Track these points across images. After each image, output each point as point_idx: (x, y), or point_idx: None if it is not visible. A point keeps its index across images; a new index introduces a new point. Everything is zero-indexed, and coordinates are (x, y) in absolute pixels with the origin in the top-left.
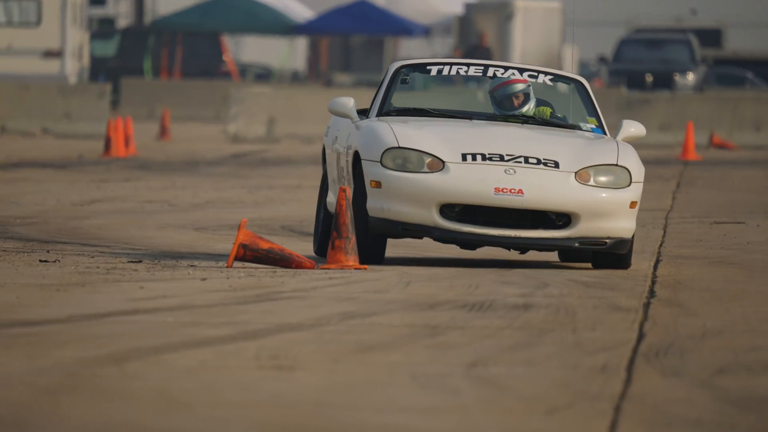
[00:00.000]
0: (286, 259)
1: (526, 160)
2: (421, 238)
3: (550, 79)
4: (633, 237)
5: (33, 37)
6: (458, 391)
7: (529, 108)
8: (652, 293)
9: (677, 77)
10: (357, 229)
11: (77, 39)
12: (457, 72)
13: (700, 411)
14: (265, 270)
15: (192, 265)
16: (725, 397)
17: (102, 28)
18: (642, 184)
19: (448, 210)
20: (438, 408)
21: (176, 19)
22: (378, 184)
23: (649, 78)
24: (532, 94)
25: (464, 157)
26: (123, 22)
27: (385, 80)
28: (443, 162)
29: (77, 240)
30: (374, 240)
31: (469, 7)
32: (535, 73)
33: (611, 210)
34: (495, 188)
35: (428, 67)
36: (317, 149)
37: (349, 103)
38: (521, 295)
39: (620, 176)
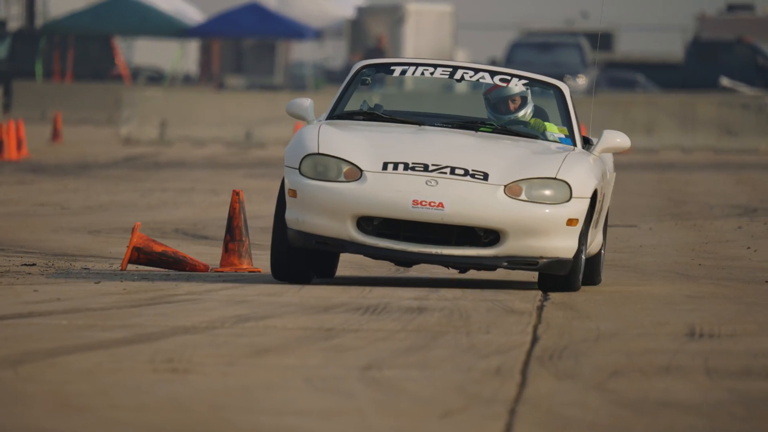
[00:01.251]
0: (179, 262)
1: (452, 170)
2: (337, 253)
3: (524, 84)
4: (580, 257)
5: None
6: (353, 394)
7: (525, 113)
8: (545, 296)
9: (569, 80)
10: (275, 241)
11: None
12: (422, 73)
13: (595, 414)
14: (159, 273)
15: (86, 268)
16: (619, 400)
17: None
18: (588, 200)
19: (366, 223)
20: (333, 411)
21: (68, 21)
22: (294, 193)
23: None
24: (529, 98)
25: (385, 165)
26: (14, 25)
27: (346, 80)
28: (361, 171)
29: (18, 251)
30: (294, 253)
31: (360, 11)
32: (508, 77)
33: (543, 227)
34: (413, 200)
35: (392, 68)
36: (210, 152)
37: (305, 103)
38: (415, 298)
39: (558, 191)
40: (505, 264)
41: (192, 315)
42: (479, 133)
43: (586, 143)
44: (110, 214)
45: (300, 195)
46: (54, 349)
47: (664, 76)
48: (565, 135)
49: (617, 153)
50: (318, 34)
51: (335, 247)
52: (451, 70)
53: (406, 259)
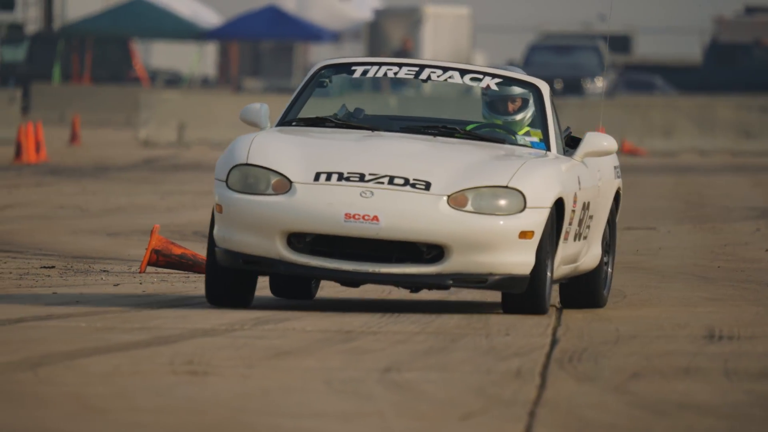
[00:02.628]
0: (198, 265)
1: (391, 180)
2: (267, 274)
3: (499, 83)
4: (543, 274)
5: None
6: (372, 396)
7: (525, 117)
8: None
9: (587, 83)
10: (208, 262)
11: None
12: (385, 74)
13: (614, 416)
14: (178, 275)
15: (105, 271)
16: (639, 401)
17: (11, 34)
18: (547, 210)
19: (298, 240)
20: (352, 413)
21: (85, 24)
22: (221, 209)
23: (559, 84)
24: (531, 101)
25: (317, 176)
26: (32, 28)
27: (303, 81)
28: (290, 182)
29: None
30: (223, 273)
31: (378, 13)
32: (480, 76)
33: (492, 241)
34: (345, 214)
35: (353, 68)
36: None
37: (258, 109)
38: (434, 300)
39: (510, 200)
40: (450, 282)
41: (211, 317)
42: (439, 138)
43: (575, 146)
44: (129, 217)
45: (226, 210)
46: (73, 351)
47: (682, 78)
48: (539, 139)
49: (605, 155)
50: (336, 37)
51: (264, 266)
52: (417, 69)
53: (341, 279)
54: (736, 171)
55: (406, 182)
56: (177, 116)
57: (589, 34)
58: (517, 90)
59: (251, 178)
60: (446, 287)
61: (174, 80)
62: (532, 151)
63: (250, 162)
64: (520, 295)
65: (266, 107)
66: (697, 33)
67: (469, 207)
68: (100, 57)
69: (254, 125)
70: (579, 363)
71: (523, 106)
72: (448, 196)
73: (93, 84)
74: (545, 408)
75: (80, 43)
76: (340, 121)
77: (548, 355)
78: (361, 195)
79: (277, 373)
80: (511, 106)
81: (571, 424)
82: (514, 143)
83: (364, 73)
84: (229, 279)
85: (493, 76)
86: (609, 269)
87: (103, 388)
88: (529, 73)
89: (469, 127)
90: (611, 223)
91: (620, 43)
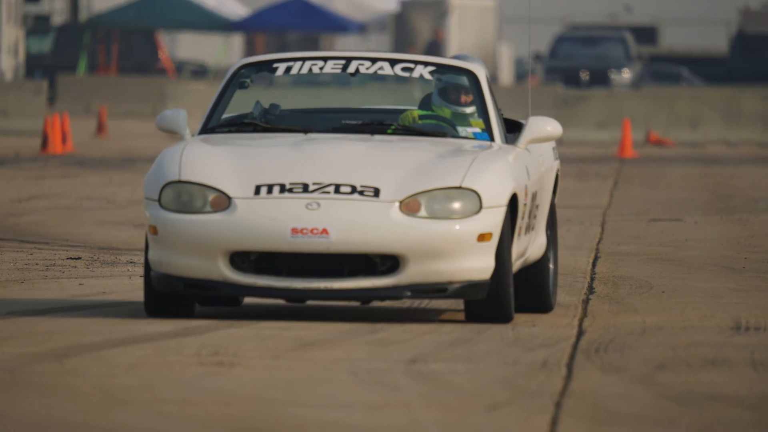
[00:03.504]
0: None
1: (337, 189)
2: (211, 296)
3: (432, 72)
4: (505, 277)
5: None
6: (399, 387)
7: (476, 113)
8: (591, 289)
9: (613, 74)
10: (145, 289)
11: (12, 36)
12: (310, 70)
13: (641, 407)
14: None
15: (131, 262)
16: (665, 393)
17: (37, 25)
18: (504, 209)
19: (241, 260)
20: (379, 404)
21: (111, 16)
22: (155, 230)
23: (585, 75)
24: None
25: (257, 190)
26: (58, 19)
27: (223, 83)
28: (229, 198)
29: (15, 237)
30: (162, 300)
31: (404, 5)
32: (411, 65)
33: (449, 247)
34: (292, 229)
35: (275, 65)
36: None
37: (177, 116)
38: None
39: (464, 202)
40: (408, 294)
41: (237, 308)
42: (376, 137)
43: (517, 131)
44: None
45: (162, 232)
46: (99, 342)
47: (708, 69)
48: (482, 129)
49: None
50: (361, 28)
51: (207, 290)
52: (343, 62)
53: (291, 297)
54: (762, 162)
55: (354, 190)
56: (203, 107)
57: (616, 25)
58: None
59: (186, 196)
60: (403, 299)
61: (200, 71)
62: (476, 143)
63: (183, 179)
64: (483, 301)
65: (184, 113)
66: (723, 24)
67: (422, 212)
68: (126, 48)
69: (172, 133)
70: (605, 354)
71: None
72: (400, 202)
73: (119, 75)
74: (571, 399)
75: (106, 35)
76: (269, 125)
77: (574, 346)
78: (307, 207)
79: (303, 364)
80: (463, 98)
81: (597, 415)
82: (456, 136)
83: (287, 70)
84: (168, 301)
85: (426, 64)
86: (552, 266)
87: (129, 379)
88: (556, 65)
89: (412, 115)
90: (552, 207)
91: (646, 34)
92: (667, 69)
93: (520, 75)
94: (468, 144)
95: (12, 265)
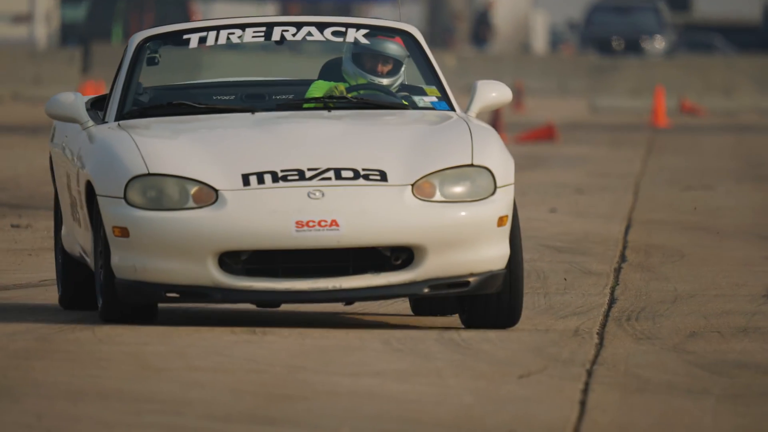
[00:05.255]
0: None
1: (338, 174)
2: (199, 303)
3: (366, 35)
4: (518, 267)
5: (2, 1)
6: (430, 355)
7: (393, 83)
8: (623, 258)
9: (646, 42)
10: (104, 297)
11: (46, 4)
12: (228, 39)
13: (672, 375)
14: None
15: None
16: (697, 361)
17: None
18: (512, 187)
19: (232, 260)
20: (410, 372)
21: None
22: (124, 232)
23: (618, 43)
24: (403, 69)
25: (246, 179)
26: None
27: (124, 62)
28: (216, 191)
29: (49, 205)
30: (130, 313)
31: None
32: (342, 28)
33: (471, 234)
34: (296, 222)
35: (185, 36)
36: None
37: (72, 100)
38: None
39: (479, 182)
40: (427, 290)
41: None
42: (334, 112)
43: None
44: None
45: (135, 233)
46: None
47: (742, 38)
48: (438, 97)
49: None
50: None
51: (195, 297)
52: (264, 29)
53: (293, 300)
54: None
55: (357, 174)
56: (239, 75)
57: None
58: (391, 48)
59: (160, 191)
60: (420, 296)
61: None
62: (442, 114)
63: (153, 171)
64: (489, 298)
65: (82, 97)
66: None
67: (437, 196)
68: (161, 16)
69: (71, 121)
70: (637, 322)
71: (394, 70)
72: (412, 186)
73: None
74: (603, 367)
75: (140, 3)
76: (203, 105)
77: (606, 315)
78: (309, 196)
79: (334, 333)
80: (381, 67)
81: (629, 383)
82: (417, 107)
83: (202, 41)
84: (134, 316)
85: (358, 27)
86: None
87: (161, 347)
88: (590, 34)
89: (338, 89)
90: None
91: (680, 3)
92: (700, 37)
93: (554, 43)
94: (436, 115)
95: (45, 233)
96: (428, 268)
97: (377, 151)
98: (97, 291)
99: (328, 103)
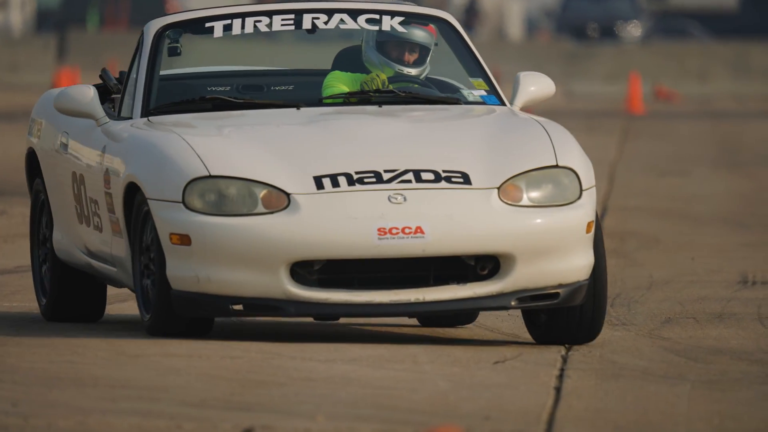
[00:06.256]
0: None
1: (417, 176)
2: (268, 316)
3: (401, 23)
4: (603, 276)
5: None
6: (406, 341)
7: (421, 72)
8: None
9: (622, 28)
10: (156, 310)
11: None
12: (255, 27)
13: (647, 361)
14: None
15: None
16: (672, 347)
17: None
18: (595, 190)
19: (304, 270)
20: (386, 358)
21: None
22: (184, 239)
23: (594, 30)
24: (429, 59)
25: (318, 182)
26: None
27: (143, 53)
28: (287, 195)
29: (24, 191)
30: (184, 327)
31: None
32: (377, 16)
33: (561, 241)
34: (378, 229)
35: (208, 24)
36: None
37: (88, 95)
38: None
39: (565, 184)
40: (514, 303)
41: None
42: (384, 107)
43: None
44: None
45: (197, 240)
46: (108, 297)
47: (718, 24)
48: (486, 90)
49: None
50: None
51: (266, 311)
52: (293, 17)
53: (370, 314)
54: None
55: (438, 177)
56: (213, 61)
57: None
58: (419, 35)
59: (220, 195)
60: (507, 309)
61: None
62: (496, 108)
63: (214, 173)
64: (572, 310)
65: (95, 91)
66: None
67: (525, 200)
68: (136, 4)
69: (83, 116)
70: (612, 308)
71: (421, 59)
72: (498, 189)
73: (129, 28)
74: (578, 353)
75: None
76: (243, 99)
77: None
78: (390, 201)
79: (309, 319)
80: (407, 56)
81: (605, 369)
82: (467, 101)
83: (227, 29)
84: (192, 330)
85: (393, 14)
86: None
87: (136, 333)
88: (567, 20)
89: (380, 78)
90: None
91: None
92: (676, 24)
93: (530, 30)
94: (489, 108)
95: (21, 219)
96: (516, 279)
97: (454, 150)
98: (138, 304)
99: (372, 97)
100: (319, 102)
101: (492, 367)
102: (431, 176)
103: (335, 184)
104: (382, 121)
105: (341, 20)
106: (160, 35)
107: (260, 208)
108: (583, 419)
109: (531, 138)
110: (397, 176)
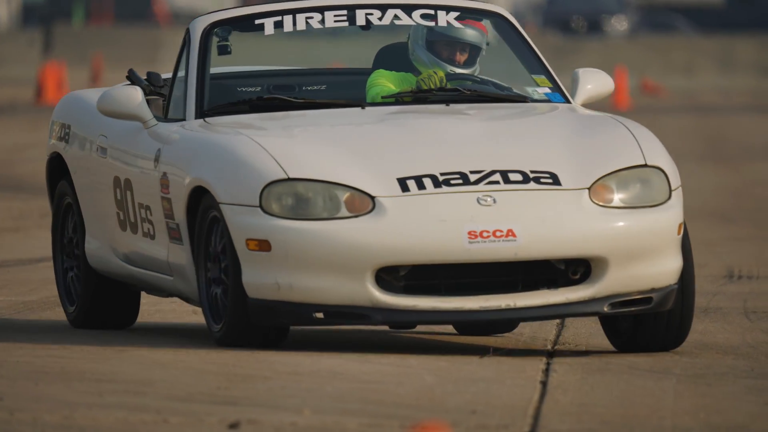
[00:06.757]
0: None
1: (505, 177)
2: (351, 324)
3: (457, 18)
4: (690, 282)
5: None
6: (392, 337)
7: (474, 72)
8: None
9: (608, 22)
10: (231, 320)
11: None
12: (308, 24)
13: (633, 355)
14: None
15: None
16: None
17: None
18: (681, 190)
19: (390, 276)
20: (372, 353)
21: None
22: (263, 245)
23: (580, 24)
24: (479, 59)
25: (404, 184)
26: None
27: (191, 52)
28: (372, 198)
29: (10, 186)
30: (260, 337)
31: None
32: (432, 11)
33: (653, 244)
34: (468, 232)
35: (258, 21)
36: None
37: (136, 97)
38: None
39: (655, 184)
40: (607, 308)
41: None
42: (453, 106)
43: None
44: None
45: (277, 246)
46: None
47: (704, 18)
48: (550, 88)
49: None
50: None
51: (350, 318)
52: (346, 12)
53: (459, 321)
54: (756, 110)
55: (527, 177)
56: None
57: None
58: (470, 35)
59: (299, 199)
60: (600, 315)
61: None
62: (562, 105)
63: (293, 176)
64: (660, 315)
65: (140, 91)
66: None
67: (616, 201)
68: None
69: (129, 119)
70: None
71: (471, 59)
72: (588, 190)
73: (115, 23)
74: (564, 347)
75: None
76: (301, 99)
77: None
78: (479, 202)
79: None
80: (459, 56)
81: (591, 363)
82: (534, 99)
83: (278, 25)
84: (267, 342)
85: (448, 9)
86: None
87: (123, 327)
88: (554, 14)
89: (438, 75)
90: None
91: None
92: (662, 18)
93: None
94: (552, 106)
95: (6, 213)
96: (609, 283)
97: (539, 149)
98: (205, 314)
99: (431, 96)
100: (364, 102)
101: (478, 361)
102: (519, 177)
103: (421, 186)
104: (459, 120)
105: (395, 16)
106: (207, 33)
107: (344, 212)
108: (569, 413)
109: (615, 137)
110: (484, 177)
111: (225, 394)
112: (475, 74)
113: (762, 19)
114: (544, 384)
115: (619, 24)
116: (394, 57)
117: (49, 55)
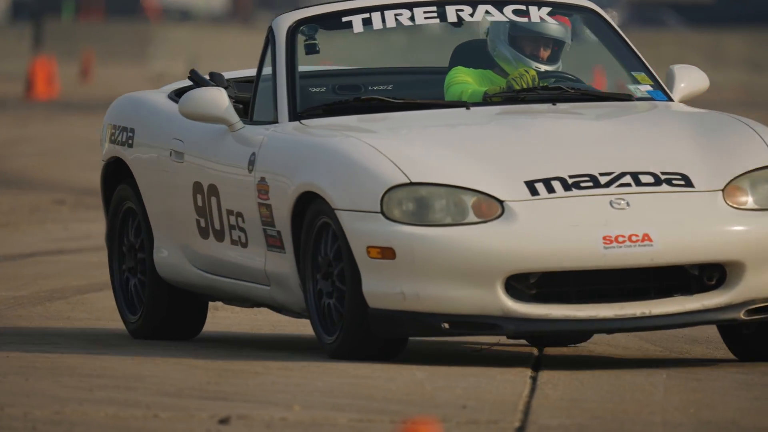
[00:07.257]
0: None
1: (636, 179)
2: (481, 335)
3: (548, 13)
4: None
5: None
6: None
7: (557, 68)
8: None
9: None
10: (348, 331)
11: None
12: (397, 21)
13: (623, 350)
14: None
15: None
16: (648, 336)
17: None
18: None
19: (521, 284)
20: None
21: None
22: (386, 253)
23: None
24: (561, 55)
25: (532, 188)
26: None
27: (277, 52)
28: (500, 202)
29: (0, 180)
30: (378, 349)
31: None
32: (523, 6)
33: None
34: (603, 237)
35: (345, 18)
36: None
37: (223, 100)
38: None
39: None
40: (743, 315)
41: None
42: (560, 106)
43: None
44: None
45: (403, 254)
46: (84, 286)
47: (694, 14)
48: (651, 85)
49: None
50: None
51: (480, 329)
52: (436, 9)
53: (593, 330)
54: (746, 106)
55: (658, 179)
56: (189, 50)
57: None
58: (553, 29)
59: (422, 204)
60: (736, 322)
61: (186, 14)
62: (664, 103)
63: (415, 180)
64: None
65: (225, 93)
66: None
67: (750, 203)
68: None
69: (214, 122)
70: None
71: (554, 56)
72: (722, 191)
73: (105, 18)
74: (552, 350)
75: None
76: (400, 100)
77: None
78: (612, 206)
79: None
80: (542, 52)
81: (581, 358)
82: (636, 95)
83: (366, 23)
84: (387, 352)
85: (540, 4)
86: None
87: (114, 323)
88: None
89: (530, 74)
90: None
91: None
92: (652, 13)
93: None
94: (653, 104)
95: (8, 209)
96: (745, 289)
97: (666, 150)
98: (314, 326)
99: (526, 95)
100: (483, 100)
101: (468, 356)
102: (650, 179)
103: (550, 189)
104: (575, 120)
105: (487, 11)
106: (293, 31)
107: (471, 218)
108: (560, 408)
109: (740, 136)
110: (615, 179)
111: (215, 389)
112: (559, 67)
113: (751, 15)
114: (534, 379)
115: (610, 19)
116: (472, 54)
117: (39, 50)
